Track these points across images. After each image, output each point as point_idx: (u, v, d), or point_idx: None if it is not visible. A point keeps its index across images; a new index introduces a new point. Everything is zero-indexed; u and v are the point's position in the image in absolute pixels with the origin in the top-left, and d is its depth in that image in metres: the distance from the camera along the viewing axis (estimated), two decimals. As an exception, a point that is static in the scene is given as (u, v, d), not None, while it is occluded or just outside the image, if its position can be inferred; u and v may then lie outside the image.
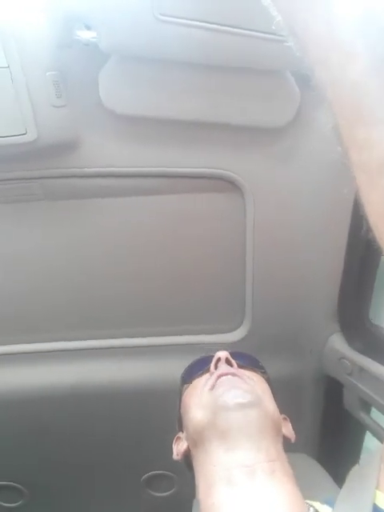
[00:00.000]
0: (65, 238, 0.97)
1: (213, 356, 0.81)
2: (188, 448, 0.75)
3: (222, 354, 0.77)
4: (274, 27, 0.32)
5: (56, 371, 1.14)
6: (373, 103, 0.27)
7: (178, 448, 0.79)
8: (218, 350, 0.88)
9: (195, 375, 0.81)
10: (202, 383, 0.75)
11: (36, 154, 0.80)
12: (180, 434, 0.82)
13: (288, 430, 0.77)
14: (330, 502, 0.61)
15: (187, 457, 0.76)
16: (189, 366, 0.87)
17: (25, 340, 1.11)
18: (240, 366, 0.78)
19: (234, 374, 0.73)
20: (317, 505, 0.62)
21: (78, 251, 0.99)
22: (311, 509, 0.60)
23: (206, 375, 0.77)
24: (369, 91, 0.27)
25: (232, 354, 0.81)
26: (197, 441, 0.70)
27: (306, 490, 0.66)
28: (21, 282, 1.02)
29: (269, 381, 0.83)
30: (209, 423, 0.67)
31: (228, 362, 0.77)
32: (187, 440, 0.76)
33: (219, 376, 0.72)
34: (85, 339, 1.11)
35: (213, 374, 0.75)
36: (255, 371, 0.81)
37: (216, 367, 0.76)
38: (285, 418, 0.81)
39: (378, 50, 0.27)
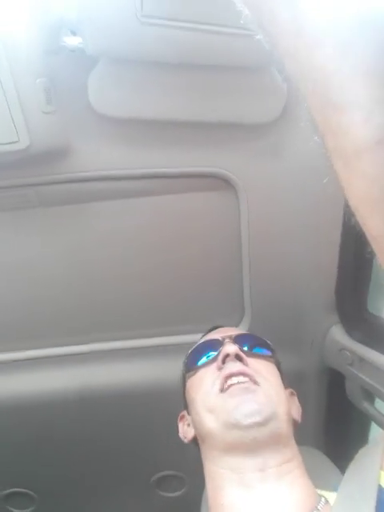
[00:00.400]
0: (62, 243, 0.98)
1: (218, 340, 0.78)
2: (195, 435, 0.73)
3: (231, 350, 0.73)
4: (242, 21, 0.32)
5: (61, 376, 1.15)
6: (341, 88, 0.27)
7: (185, 431, 0.77)
8: (220, 328, 0.85)
9: (199, 364, 0.77)
10: (209, 379, 0.72)
11: (29, 160, 0.81)
12: (185, 413, 0.80)
13: (294, 411, 0.74)
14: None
15: (195, 441, 0.74)
16: (192, 352, 0.82)
17: (27, 347, 1.11)
18: (248, 354, 0.74)
19: (244, 374, 0.69)
20: (325, 493, 0.62)
21: (75, 255, 1.00)
22: (322, 499, 0.60)
23: (213, 368, 0.73)
24: (336, 77, 0.27)
25: (239, 339, 0.78)
26: (205, 441, 0.68)
27: (314, 481, 0.66)
28: (20, 288, 1.03)
29: (277, 362, 0.79)
30: (220, 435, 0.64)
31: (238, 357, 0.72)
32: (194, 429, 0.73)
33: (228, 376, 0.69)
34: (86, 343, 1.12)
35: (221, 369, 0.71)
36: (264, 358, 0.76)
37: (223, 361, 0.72)
38: (292, 393, 0.78)
39: (342, 34, 0.27)
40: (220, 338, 0.79)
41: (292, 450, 0.65)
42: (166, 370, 1.13)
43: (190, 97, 0.80)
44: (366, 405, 1.04)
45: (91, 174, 0.88)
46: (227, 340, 0.77)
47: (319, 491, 0.63)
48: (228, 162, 0.90)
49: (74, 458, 1.28)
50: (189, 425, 0.77)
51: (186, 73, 0.77)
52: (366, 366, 0.98)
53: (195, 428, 0.73)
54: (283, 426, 0.65)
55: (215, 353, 0.76)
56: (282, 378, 0.75)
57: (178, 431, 0.81)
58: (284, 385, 0.74)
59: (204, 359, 0.77)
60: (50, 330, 1.09)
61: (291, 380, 0.87)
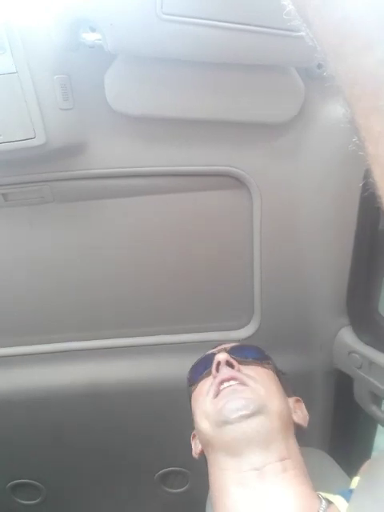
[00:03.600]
0: (75, 239, 0.98)
1: (214, 355, 0.82)
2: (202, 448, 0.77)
3: (222, 358, 0.78)
4: (284, 16, 0.31)
5: (71, 371, 1.16)
6: None
7: (195, 447, 0.82)
8: (220, 346, 0.88)
9: (199, 377, 0.82)
10: (205, 389, 0.77)
11: (45, 157, 0.82)
12: (196, 432, 0.83)
13: (299, 416, 0.78)
14: (344, 494, 0.61)
15: (204, 455, 0.78)
16: (192, 367, 0.88)
17: (38, 341, 1.12)
18: (242, 363, 0.79)
19: (235, 378, 0.74)
20: (330, 496, 0.63)
21: (88, 251, 1.00)
22: (324, 501, 0.61)
23: (210, 378, 0.78)
24: None
25: (233, 349, 0.83)
26: (206, 446, 0.73)
27: (319, 483, 0.67)
28: (34, 283, 1.04)
29: (275, 369, 0.83)
30: (214, 436, 0.68)
31: (229, 363, 0.77)
32: (199, 441, 0.78)
33: (221, 382, 0.74)
34: (97, 339, 1.13)
35: (215, 377, 0.76)
36: (258, 364, 0.81)
37: (217, 370, 0.77)
38: (297, 400, 0.81)
39: None
40: (215, 351, 0.84)
41: (288, 449, 0.67)
42: (173, 368, 1.14)
43: (206, 95, 0.80)
44: (373, 408, 1.04)
45: (106, 171, 0.88)
46: (221, 352, 0.82)
47: (322, 494, 0.64)
48: (243, 160, 0.90)
49: (81, 452, 1.30)
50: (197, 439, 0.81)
51: (203, 71, 0.77)
52: (375, 370, 0.98)
53: (199, 439, 0.77)
54: (274, 420, 0.68)
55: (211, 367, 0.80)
56: (286, 386, 0.79)
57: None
58: (288, 393, 0.78)
59: (202, 372, 0.82)
60: (61, 325, 1.10)
61: (299, 381, 0.87)
